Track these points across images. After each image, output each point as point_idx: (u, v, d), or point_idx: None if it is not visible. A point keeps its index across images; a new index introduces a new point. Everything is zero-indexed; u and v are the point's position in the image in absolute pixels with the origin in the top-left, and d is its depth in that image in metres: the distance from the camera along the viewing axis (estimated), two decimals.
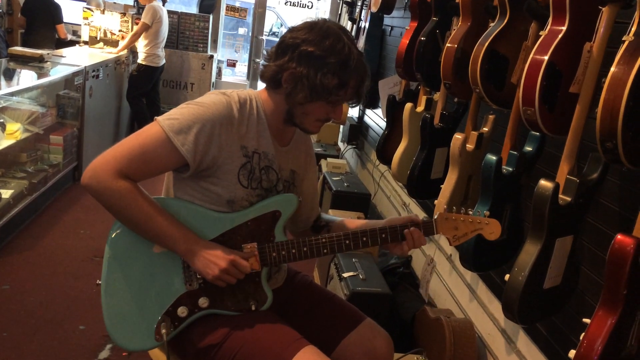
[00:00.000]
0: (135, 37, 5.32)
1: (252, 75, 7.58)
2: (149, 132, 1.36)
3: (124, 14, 5.82)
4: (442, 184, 2.12)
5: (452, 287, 2.61)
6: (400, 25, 3.88)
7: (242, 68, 8.88)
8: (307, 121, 1.46)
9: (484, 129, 2.08)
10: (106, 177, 1.32)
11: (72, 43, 6.09)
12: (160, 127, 1.35)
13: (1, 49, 5.44)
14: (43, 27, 5.88)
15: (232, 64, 8.19)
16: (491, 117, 2.07)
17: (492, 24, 1.89)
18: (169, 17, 6.61)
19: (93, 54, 5.17)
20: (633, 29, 1.21)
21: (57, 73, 4.01)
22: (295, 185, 1.60)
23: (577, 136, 1.44)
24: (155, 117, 1.38)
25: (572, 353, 1.28)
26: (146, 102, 5.67)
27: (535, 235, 1.48)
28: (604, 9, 1.33)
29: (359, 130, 4.89)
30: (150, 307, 1.42)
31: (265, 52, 1.49)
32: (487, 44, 1.80)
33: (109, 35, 5.76)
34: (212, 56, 6.76)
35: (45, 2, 5.86)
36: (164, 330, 1.40)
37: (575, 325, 1.66)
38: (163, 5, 6.76)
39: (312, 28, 1.39)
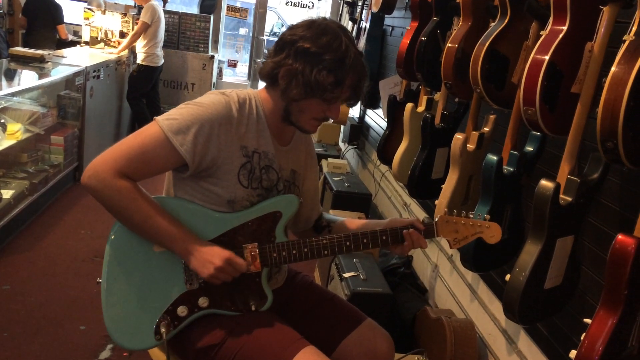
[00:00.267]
0: (136, 36, 5.32)
1: (253, 75, 7.58)
2: (148, 132, 1.36)
3: (124, 15, 5.82)
4: (443, 184, 2.12)
5: (453, 287, 2.61)
6: (401, 25, 3.88)
7: (243, 68, 8.89)
8: (303, 119, 1.46)
9: (485, 129, 2.08)
10: (105, 176, 1.32)
11: (73, 43, 6.09)
12: (159, 127, 1.35)
13: (2, 49, 5.45)
14: (44, 28, 5.89)
15: (233, 65, 8.20)
16: (492, 117, 2.07)
17: (492, 24, 1.89)
18: (170, 17, 6.63)
19: (94, 55, 5.18)
20: (634, 29, 1.21)
21: (58, 73, 4.02)
22: (296, 185, 1.59)
23: (577, 136, 1.43)
24: (155, 117, 1.38)
25: (573, 353, 1.28)
26: (146, 102, 5.67)
27: (536, 235, 1.48)
28: (604, 8, 1.33)
29: (359, 131, 4.89)
30: (150, 306, 1.42)
31: (266, 52, 1.49)
32: (487, 43, 1.80)
33: (109, 35, 5.76)
34: (213, 56, 6.76)
35: (46, 2, 5.86)
36: (163, 330, 1.40)
37: (576, 326, 1.66)
38: (164, 5, 6.77)
39: (310, 26, 1.39)
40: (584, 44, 1.38)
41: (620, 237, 1.18)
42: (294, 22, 1.45)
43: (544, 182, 1.43)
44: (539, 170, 1.84)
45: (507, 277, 1.54)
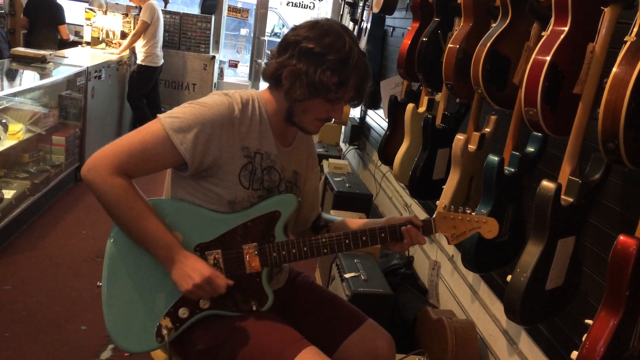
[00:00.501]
0: (137, 36, 5.32)
1: (254, 76, 7.58)
2: (150, 129, 1.37)
3: (126, 15, 5.83)
4: (444, 185, 2.12)
5: (454, 288, 2.61)
6: (402, 25, 3.88)
7: (244, 69, 8.88)
8: (306, 120, 1.46)
9: (486, 129, 2.08)
10: (103, 171, 1.32)
11: (74, 44, 6.10)
12: (161, 124, 1.36)
13: (4, 49, 5.45)
14: (45, 28, 5.89)
15: (234, 65, 8.19)
16: (493, 117, 2.07)
17: (494, 25, 1.89)
18: (171, 18, 6.63)
19: (95, 55, 5.18)
20: (635, 30, 1.21)
21: (59, 74, 4.02)
22: (297, 186, 1.59)
23: (579, 137, 1.43)
24: (158, 115, 1.39)
25: (574, 354, 1.28)
26: (146, 102, 5.67)
27: (537, 236, 1.48)
28: (606, 9, 1.33)
29: (360, 131, 4.89)
30: (151, 308, 1.42)
31: (268, 52, 1.49)
32: (489, 44, 1.80)
33: (111, 36, 5.77)
34: (214, 57, 6.76)
35: (48, 3, 5.87)
36: (165, 332, 1.40)
37: (577, 327, 1.65)
38: (165, 6, 6.78)
39: (314, 26, 1.40)
40: (585, 44, 1.38)
41: (621, 237, 1.18)
42: (297, 23, 1.46)
43: (546, 183, 1.43)
44: (540, 171, 1.84)
45: (509, 277, 1.54)
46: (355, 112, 5.14)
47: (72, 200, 4.03)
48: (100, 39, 5.76)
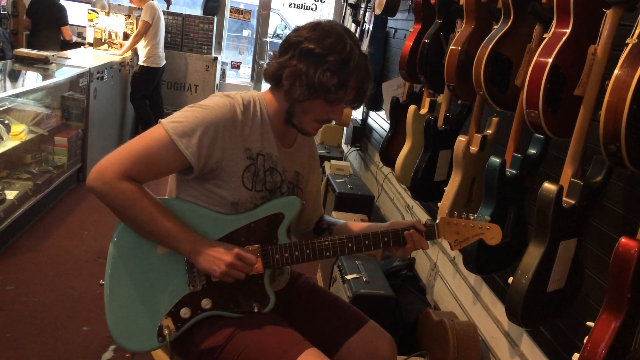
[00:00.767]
0: (138, 37, 5.32)
1: (256, 77, 7.59)
2: (153, 134, 1.37)
3: (128, 16, 5.84)
4: (446, 187, 2.12)
5: (456, 290, 2.60)
6: (403, 27, 3.88)
7: (246, 70, 8.89)
8: (306, 121, 1.46)
9: (488, 131, 2.08)
10: (111, 179, 1.32)
11: (77, 45, 6.10)
12: (164, 130, 1.36)
13: (6, 50, 5.46)
14: (48, 29, 5.90)
15: (236, 66, 8.19)
16: (495, 119, 2.07)
17: (495, 27, 1.89)
18: (173, 19, 6.64)
19: (98, 56, 5.19)
20: (637, 32, 1.21)
21: (61, 75, 4.03)
22: (299, 187, 1.60)
23: (581, 139, 1.43)
24: (160, 120, 1.39)
25: (575, 356, 1.28)
26: (149, 103, 5.67)
27: (539, 238, 1.48)
28: (608, 11, 1.33)
29: (362, 133, 4.89)
30: (153, 308, 1.42)
31: (271, 54, 1.49)
32: (490, 46, 1.80)
33: (113, 37, 5.78)
34: (216, 58, 6.77)
35: (51, 3, 5.88)
36: (166, 332, 1.41)
37: (579, 329, 1.65)
38: (167, 7, 6.78)
39: (316, 27, 1.40)
40: (587, 46, 1.38)
41: (623, 240, 1.18)
42: (299, 24, 1.46)
43: (547, 185, 1.43)
44: (542, 172, 1.84)
45: (510, 279, 1.54)
46: (357, 114, 5.14)
47: (75, 201, 4.04)
48: (103, 40, 5.77)
